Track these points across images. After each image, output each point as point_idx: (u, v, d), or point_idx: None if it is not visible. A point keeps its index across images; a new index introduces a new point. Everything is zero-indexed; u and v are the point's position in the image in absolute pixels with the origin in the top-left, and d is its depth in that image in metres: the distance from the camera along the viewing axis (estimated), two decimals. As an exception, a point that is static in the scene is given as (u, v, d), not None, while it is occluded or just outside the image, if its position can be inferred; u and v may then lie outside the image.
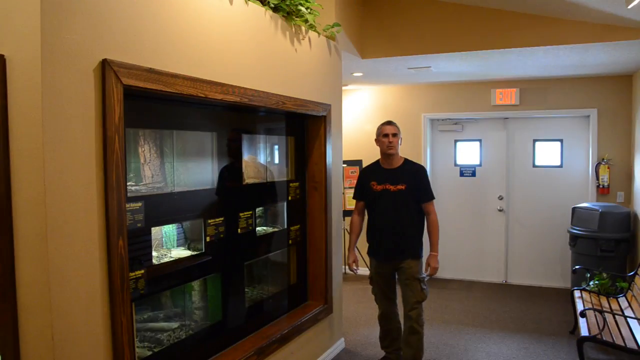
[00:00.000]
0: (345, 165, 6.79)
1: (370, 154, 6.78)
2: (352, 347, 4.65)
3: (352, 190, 4.24)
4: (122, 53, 2.17)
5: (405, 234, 3.86)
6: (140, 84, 2.23)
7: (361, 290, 6.41)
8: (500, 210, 6.90)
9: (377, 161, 4.07)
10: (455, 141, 7.15)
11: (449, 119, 7.08)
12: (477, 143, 7.04)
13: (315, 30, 3.93)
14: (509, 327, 5.16)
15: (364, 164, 6.82)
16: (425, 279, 3.91)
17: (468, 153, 7.10)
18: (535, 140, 6.76)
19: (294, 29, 3.64)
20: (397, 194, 3.84)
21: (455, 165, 7.15)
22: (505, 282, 6.91)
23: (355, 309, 5.71)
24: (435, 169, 7.26)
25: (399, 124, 7.00)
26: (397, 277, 3.98)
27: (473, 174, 7.04)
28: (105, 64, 2.06)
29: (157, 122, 2.89)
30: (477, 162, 7.04)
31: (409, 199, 3.85)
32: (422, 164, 7.02)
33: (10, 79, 1.90)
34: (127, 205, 2.30)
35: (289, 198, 4.02)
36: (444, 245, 7.19)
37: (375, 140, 4.01)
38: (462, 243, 7.10)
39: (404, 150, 7.05)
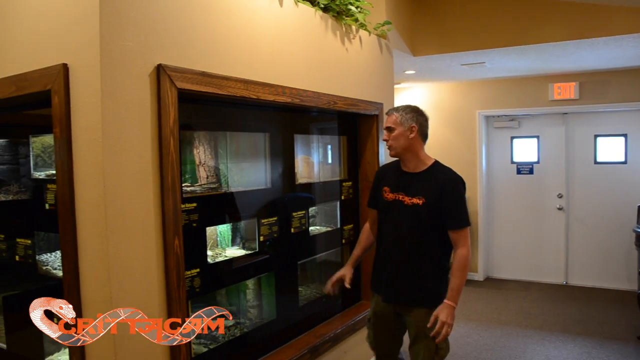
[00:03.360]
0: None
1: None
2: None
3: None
4: (176, 58, 2.23)
5: (420, 269, 2.69)
6: (193, 87, 2.29)
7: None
8: (559, 209, 6.66)
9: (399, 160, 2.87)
10: (512, 138, 6.96)
11: (505, 115, 6.89)
12: (535, 139, 6.82)
13: (365, 29, 3.91)
14: (570, 330, 4.97)
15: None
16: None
17: (525, 150, 6.90)
18: (596, 136, 6.49)
19: (344, 29, 3.64)
20: (412, 210, 2.67)
21: (512, 162, 6.96)
22: (566, 283, 6.66)
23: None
24: (491, 166, 7.09)
25: (454, 121, 7.05)
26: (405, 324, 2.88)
27: (530, 172, 6.83)
28: (160, 69, 2.13)
29: (211, 124, 2.95)
30: (535, 159, 6.83)
31: (426, 220, 2.66)
32: (476, 164, 6.95)
33: (71, 86, 2.00)
34: (183, 206, 2.36)
35: (342, 197, 4.02)
36: (501, 244, 7.04)
37: None
38: (519, 242, 6.90)
39: (459, 148, 7.00)
